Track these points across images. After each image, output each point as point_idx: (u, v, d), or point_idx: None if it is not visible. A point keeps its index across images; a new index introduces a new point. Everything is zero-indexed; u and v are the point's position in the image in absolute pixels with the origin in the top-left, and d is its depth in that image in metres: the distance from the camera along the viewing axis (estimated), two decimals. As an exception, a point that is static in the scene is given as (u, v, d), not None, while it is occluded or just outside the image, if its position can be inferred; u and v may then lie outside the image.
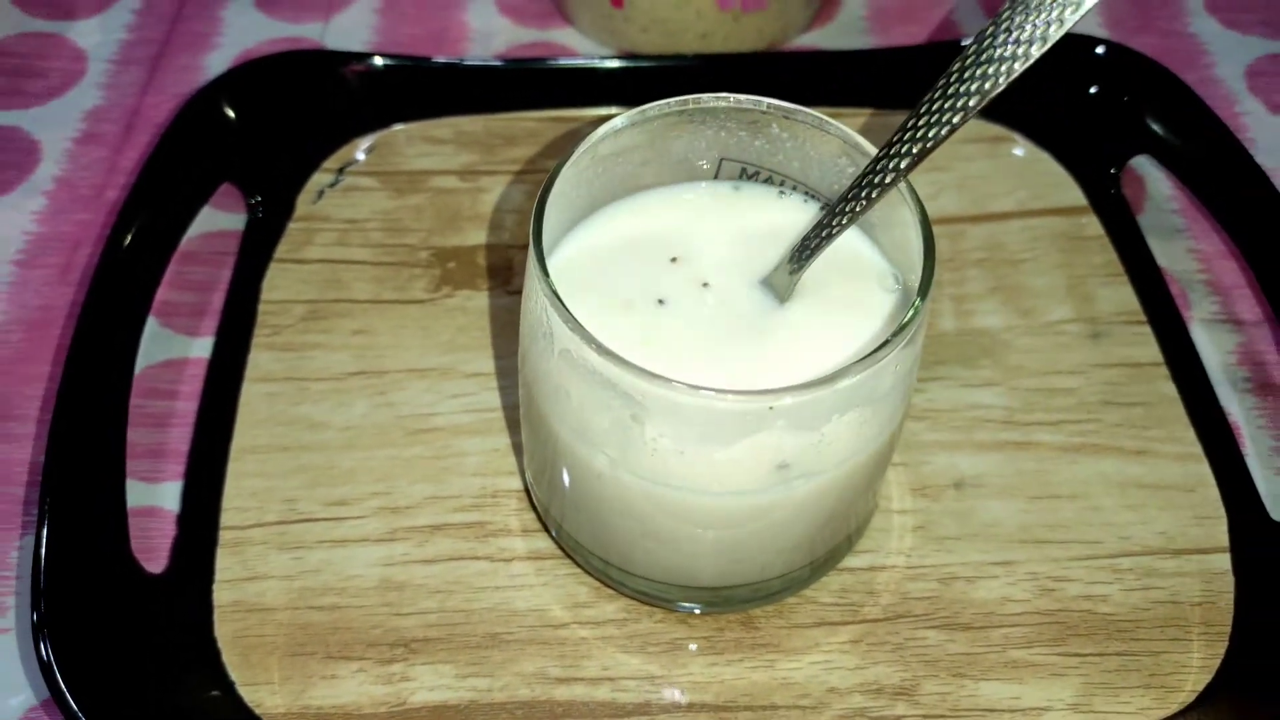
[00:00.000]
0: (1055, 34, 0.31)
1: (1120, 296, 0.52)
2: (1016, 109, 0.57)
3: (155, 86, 0.61)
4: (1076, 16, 0.31)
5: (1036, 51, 0.32)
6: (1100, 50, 0.56)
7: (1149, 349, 0.50)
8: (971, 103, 0.33)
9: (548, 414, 0.36)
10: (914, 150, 0.34)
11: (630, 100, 0.56)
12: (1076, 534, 0.45)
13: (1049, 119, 0.57)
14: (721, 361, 0.36)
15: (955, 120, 0.33)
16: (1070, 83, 0.56)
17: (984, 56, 0.33)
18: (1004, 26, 0.32)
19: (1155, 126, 0.55)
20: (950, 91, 0.33)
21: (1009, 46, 0.32)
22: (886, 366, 0.32)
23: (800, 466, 0.33)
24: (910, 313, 0.33)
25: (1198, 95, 0.54)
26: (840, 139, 0.37)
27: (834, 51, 0.61)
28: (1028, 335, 0.51)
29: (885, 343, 0.32)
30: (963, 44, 0.58)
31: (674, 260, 0.39)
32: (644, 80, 0.57)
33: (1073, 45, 0.57)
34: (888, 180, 0.35)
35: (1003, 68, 0.32)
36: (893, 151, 0.34)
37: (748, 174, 0.41)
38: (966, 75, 0.33)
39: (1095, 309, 0.52)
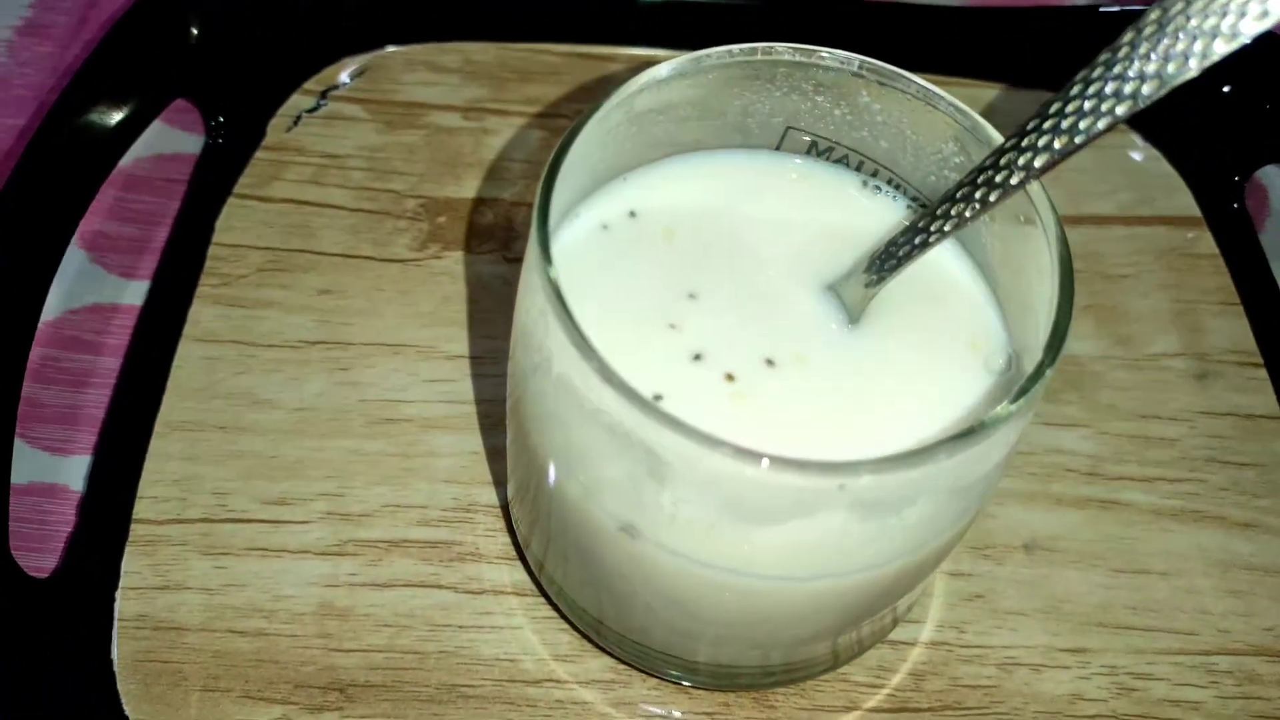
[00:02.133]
0: (1282, 6, 0.22)
1: (1234, 330, 0.44)
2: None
3: (120, -27, 0.52)
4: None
5: (1251, 28, 0.23)
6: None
7: (1265, 398, 0.42)
8: (1146, 90, 0.24)
9: (537, 442, 0.28)
10: (1056, 145, 0.25)
11: (675, 41, 0.48)
12: (1166, 621, 0.37)
13: (1167, 112, 0.47)
14: (770, 397, 0.27)
15: (1120, 111, 0.25)
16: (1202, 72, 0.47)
17: (1171, 27, 0.24)
18: (1204, -11, 0.23)
19: (1295, 132, 0.46)
20: (1117, 72, 0.24)
21: (1209, 18, 0.23)
22: (994, 445, 0.24)
23: (864, 553, 0.25)
24: (1032, 380, 0.24)
25: (1354, 99, 0.45)
26: (953, 119, 0.29)
27: (926, 6, 0.51)
28: (1123, 368, 0.43)
29: (998, 416, 0.24)
30: (1101, 10, 0.50)
31: (716, 251, 0.30)
32: (694, 18, 0.49)
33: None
34: (1014, 181, 0.26)
35: (1196, 46, 0.24)
36: (1025, 143, 0.26)
37: (818, 150, 0.32)
38: (1140, 53, 0.24)
39: (1204, 343, 0.43)
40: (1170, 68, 0.24)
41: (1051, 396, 0.42)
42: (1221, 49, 0.23)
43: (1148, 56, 0.24)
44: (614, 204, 0.31)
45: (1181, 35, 0.24)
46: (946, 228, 0.28)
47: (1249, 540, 0.39)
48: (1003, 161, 0.26)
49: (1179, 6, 0.24)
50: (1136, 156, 0.48)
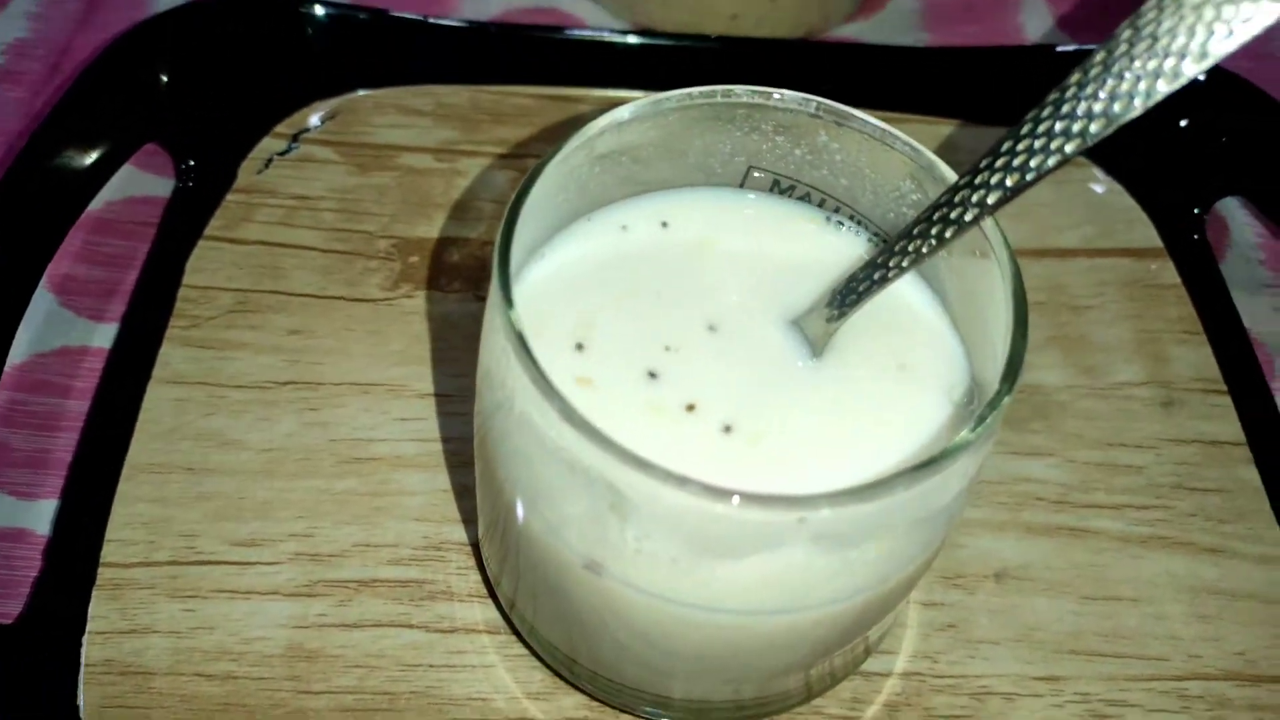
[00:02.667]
0: (1222, 49, 0.23)
1: (1197, 359, 0.44)
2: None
3: (93, 23, 0.52)
4: (1264, 25, 0.22)
5: (1191, 69, 0.24)
6: (1199, 76, 0.48)
7: (1229, 424, 0.43)
8: (1094, 128, 0.25)
9: (503, 479, 0.28)
10: (1008, 182, 0.26)
11: (642, 82, 0.49)
12: (1137, 647, 0.37)
13: (1127, 146, 0.49)
14: (736, 430, 0.28)
15: (1069, 149, 0.25)
16: (1158, 108, 0.48)
17: (1116, 69, 0.24)
18: (1146, 32, 0.24)
19: (1252, 166, 0.47)
20: (1065, 111, 0.25)
21: (1152, 60, 0.24)
22: (953, 475, 0.24)
23: (829, 588, 0.25)
24: (989, 408, 0.25)
25: (1308, 132, 0.46)
26: (908, 157, 0.29)
27: (884, 47, 0.52)
28: (1089, 397, 0.43)
29: (956, 446, 0.24)
30: (1057, 49, 0.51)
31: (681, 288, 0.31)
32: (660, 60, 0.49)
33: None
34: (968, 218, 0.27)
35: (1141, 86, 0.24)
36: (979, 180, 0.26)
37: (780, 188, 0.33)
38: (1087, 93, 0.25)
39: (1168, 372, 0.44)
40: (1116, 107, 0.25)
41: (1019, 426, 0.42)
42: (1164, 88, 0.24)
43: (1095, 96, 0.25)
44: (576, 248, 0.32)
45: (1126, 75, 0.24)
46: (905, 263, 0.28)
47: (1216, 565, 0.39)
48: (957, 199, 0.27)
49: (1123, 49, 0.24)
50: (1099, 190, 0.49)
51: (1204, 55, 0.23)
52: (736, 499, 0.23)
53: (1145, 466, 0.42)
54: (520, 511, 0.28)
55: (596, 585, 0.27)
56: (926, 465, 0.23)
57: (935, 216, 0.27)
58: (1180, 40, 0.24)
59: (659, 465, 0.23)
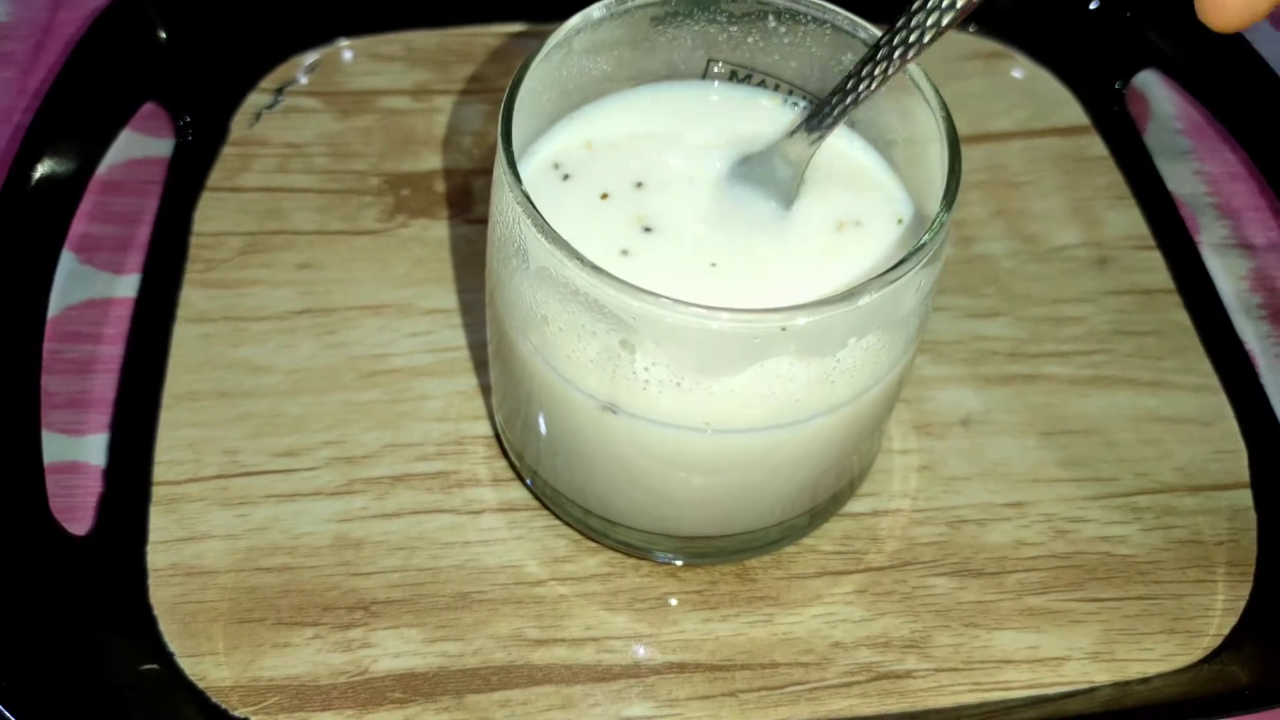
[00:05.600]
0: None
1: (1127, 220, 0.49)
2: (1015, 24, 0.53)
3: (67, 3, 0.55)
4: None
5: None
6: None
7: (1159, 275, 0.47)
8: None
9: (522, 346, 0.32)
10: (958, 3, 0.28)
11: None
12: (1091, 471, 0.42)
13: (1048, 34, 0.53)
14: (719, 280, 0.31)
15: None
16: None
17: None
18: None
19: (1162, 39, 0.52)
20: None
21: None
22: (909, 284, 0.28)
23: (812, 399, 0.29)
24: (935, 225, 0.29)
25: (1208, 3, 0.51)
26: (848, 31, 0.33)
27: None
28: (1033, 261, 0.47)
29: (909, 256, 0.28)
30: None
31: (660, 170, 0.34)
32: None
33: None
34: (926, 39, 0.29)
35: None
36: (930, 5, 0.29)
37: (739, 76, 0.37)
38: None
39: (1102, 233, 0.48)
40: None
41: (973, 291, 0.46)
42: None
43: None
44: (565, 140, 0.35)
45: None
46: (873, 85, 0.30)
47: (1156, 396, 0.44)
48: (914, 23, 0.29)
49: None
50: (1028, 76, 0.53)
51: None
52: (728, 314, 0.26)
53: (1087, 317, 0.46)
54: (541, 372, 0.32)
55: (613, 426, 0.30)
56: (886, 273, 0.27)
57: (895, 40, 0.30)
58: None
59: (662, 294, 0.27)
